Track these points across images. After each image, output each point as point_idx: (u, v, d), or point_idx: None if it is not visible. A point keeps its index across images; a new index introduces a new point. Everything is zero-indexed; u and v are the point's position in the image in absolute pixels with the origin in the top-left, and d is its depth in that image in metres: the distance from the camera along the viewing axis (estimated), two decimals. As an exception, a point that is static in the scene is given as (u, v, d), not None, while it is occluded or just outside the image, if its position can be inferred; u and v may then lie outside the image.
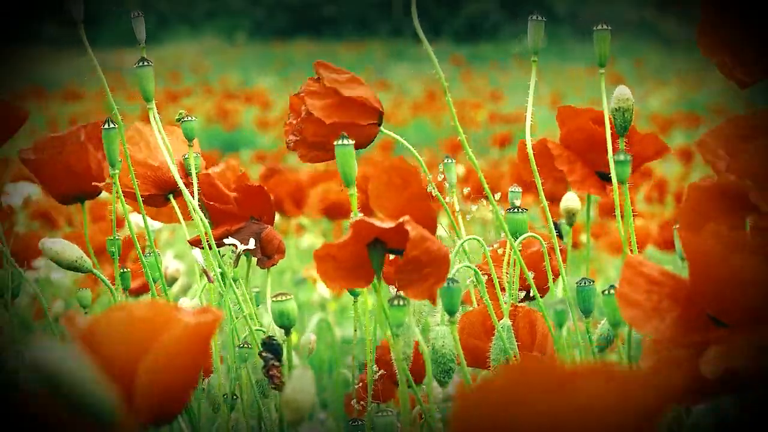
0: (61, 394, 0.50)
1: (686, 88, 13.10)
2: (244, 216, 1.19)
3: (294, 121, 0.99)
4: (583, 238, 2.70)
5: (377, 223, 0.72)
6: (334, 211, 2.69)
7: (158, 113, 1.05)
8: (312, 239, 3.03)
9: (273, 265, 1.18)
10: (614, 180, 0.97)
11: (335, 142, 0.82)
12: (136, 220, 2.31)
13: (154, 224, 1.66)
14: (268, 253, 1.17)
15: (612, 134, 1.03)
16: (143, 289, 1.82)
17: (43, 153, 1.15)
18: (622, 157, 0.83)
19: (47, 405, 0.53)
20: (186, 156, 1.11)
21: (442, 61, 0.97)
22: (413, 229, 0.71)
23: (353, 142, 0.82)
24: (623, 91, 0.94)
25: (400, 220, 0.72)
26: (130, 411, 0.58)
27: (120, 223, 2.60)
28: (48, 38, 18.26)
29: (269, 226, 1.19)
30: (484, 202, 1.22)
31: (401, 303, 0.77)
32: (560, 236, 1.18)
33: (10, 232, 1.29)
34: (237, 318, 1.02)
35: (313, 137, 0.98)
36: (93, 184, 1.12)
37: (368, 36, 20.32)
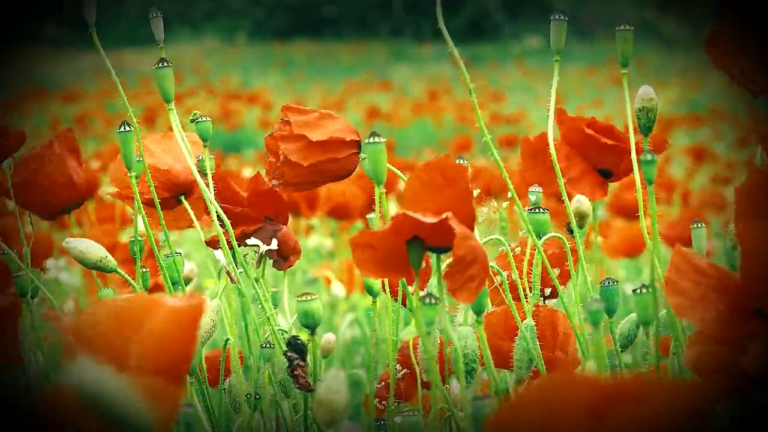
0: (103, 413, 0.51)
1: (687, 88, 13.10)
2: (258, 217, 1.18)
3: (273, 161, 1.00)
4: (592, 238, 2.69)
5: (420, 217, 0.71)
6: (340, 212, 2.71)
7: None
8: (319, 239, 3.04)
9: (290, 266, 1.18)
10: (637, 180, 0.97)
11: (367, 141, 0.82)
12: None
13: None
14: (284, 255, 1.16)
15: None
16: (155, 290, 1.82)
17: (20, 173, 1.14)
18: (648, 157, 0.83)
19: (87, 422, 0.53)
20: (200, 157, 1.11)
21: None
22: (458, 226, 0.71)
23: (384, 140, 0.82)
24: (647, 91, 0.94)
25: (443, 216, 0.71)
26: None
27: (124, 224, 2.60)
28: (48, 38, 18.26)
29: (284, 227, 1.18)
30: (497, 202, 1.22)
31: (433, 301, 0.76)
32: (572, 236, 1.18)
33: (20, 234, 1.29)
34: (260, 318, 1.02)
35: (295, 179, 1.00)
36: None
37: (368, 36, 20.30)
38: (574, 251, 1.05)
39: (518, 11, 20.12)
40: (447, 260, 0.79)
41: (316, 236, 3.05)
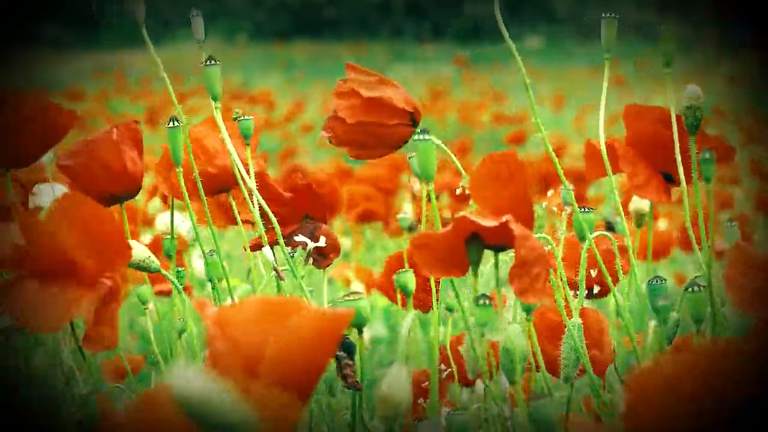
0: (207, 423, 0.49)
1: (688, 89, 13.10)
2: (297, 216, 1.18)
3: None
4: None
5: (480, 220, 0.72)
6: (366, 217, 2.74)
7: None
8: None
9: (329, 264, 1.18)
10: (682, 181, 0.97)
11: (415, 138, 0.83)
12: (165, 220, 2.30)
13: (183, 225, 1.65)
14: (324, 252, 1.16)
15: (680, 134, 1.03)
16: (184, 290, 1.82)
17: (78, 158, 1.15)
18: (707, 156, 0.83)
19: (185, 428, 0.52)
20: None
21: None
22: (518, 228, 0.71)
23: (433, 137, 0.82)
24: (694, 89, 0.94)
25: (503, 219, 0.72)
26: None
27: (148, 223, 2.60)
28: (49, 39, 18.25)
29: (323, 225, 1.18)
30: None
31: (487, 302, 0.77)
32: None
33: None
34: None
35: (343, 135, 0.99)
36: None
37: (369, 37, 20.31)
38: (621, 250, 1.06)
39: (519, 12, 20.14)
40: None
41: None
